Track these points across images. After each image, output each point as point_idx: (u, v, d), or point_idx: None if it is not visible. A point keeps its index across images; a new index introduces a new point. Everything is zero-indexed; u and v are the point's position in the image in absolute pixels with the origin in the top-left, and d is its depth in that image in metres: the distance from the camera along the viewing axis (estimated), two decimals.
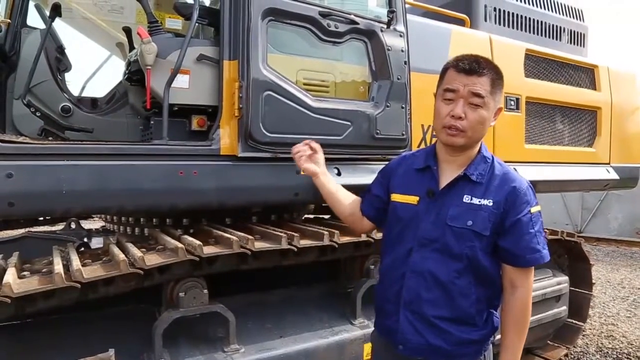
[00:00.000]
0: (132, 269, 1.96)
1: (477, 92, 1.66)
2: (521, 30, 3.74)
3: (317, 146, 2.16)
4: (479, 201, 1.69)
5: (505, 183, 1.71)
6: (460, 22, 3.31)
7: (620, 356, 4.35)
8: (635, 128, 4.38)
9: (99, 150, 2.05)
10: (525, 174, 3.35)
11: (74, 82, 3.31)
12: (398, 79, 2.57)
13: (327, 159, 2.47)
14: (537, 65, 3.57)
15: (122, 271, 1.94)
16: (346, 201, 2.11)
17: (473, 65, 1.68)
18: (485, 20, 3.45)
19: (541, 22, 3.87)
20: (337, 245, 2.44)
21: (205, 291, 2.24)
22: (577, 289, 4.06)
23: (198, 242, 2.11)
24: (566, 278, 3.83)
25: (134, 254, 2.04)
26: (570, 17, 4.11)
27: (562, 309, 3.78)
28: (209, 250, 2.14)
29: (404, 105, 2.61)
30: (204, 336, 2.36)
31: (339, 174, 2.49)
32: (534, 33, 3.84)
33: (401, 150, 2.66)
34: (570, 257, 4.07)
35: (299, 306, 2.76)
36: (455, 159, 1.78)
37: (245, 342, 2.36)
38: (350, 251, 2.67)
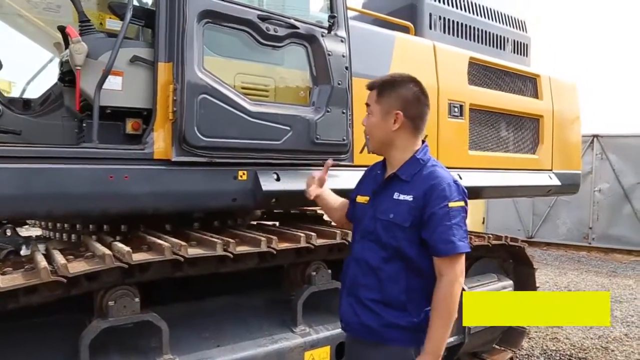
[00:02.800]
0: (54, 277, 1.88)
1: (367, 103, 2.03)
2: (466, 39, 3.81)
3: (328, 164, 2.33)
4: (403, 197, 1.92)
5: (426, 180, 1.90)
6: (405, 30, 3.35)
7: (562, 358, 4.46)
8: (576, 136, 4.53)
9: (22, 153, 1.96)
10: (470, 180, 3.43)
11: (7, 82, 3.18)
12: (339, 84, 2.57)
13: (265, 164, 2.46)
14: (481, 73, 3.65)
15: (42, 279, 1.85)
16: (337, 208, 2.35)
17: (370, 83, 2.05)
18: (431, 28, 3.49)
19: (486, 31, 3.96)
20: (275, 252, 2.40)
21: (137, 300, 2.16)
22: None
23: (127, 249, 2.04)
24: (511, 282, 3.90)
25: (58, 261, 1.95)
26: (513, 27, 4.22)
27: None
28: (139, 257, 2.07)
29: (345, 111, 2.61)
30: (136, 347, 2.28)
31: (278, 179, 2.46)
32: (479, 42, 3.91)
33: (342, 156, 2.66)
34: (515, 261, 4.16)
35: (240, 314, 2.71)
36: (392, 162, 2.03)
37: (180, 352, 2.29)
38: (291, 258, 2.64)
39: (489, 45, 4.00)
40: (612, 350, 4.66)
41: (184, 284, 2.67)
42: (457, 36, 3.73)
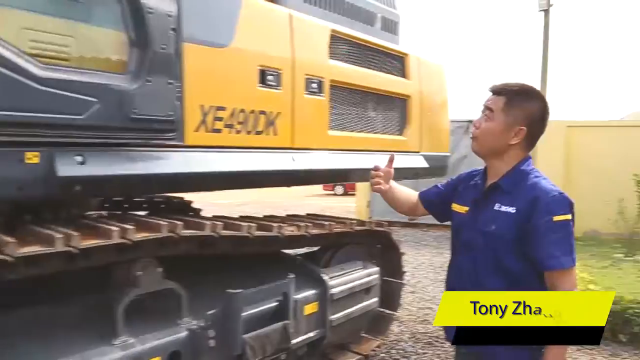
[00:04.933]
0: None
1: (488, 106, 1.96)
2: (332, 12, 3.52)
3: (392, 157, 2.36)
4: (505, 208, 1.90)
5: (531, 192, 1.87)
6: None
7: (430, 340, 4.46)
8: (444, 118, 4.49)
9: None
10: (330, 162, 3.18)
11: None
12: (162, 48, 2.15)
13: (65, 144, 1.99)
14: (345, 48, 3.39)
15: None
16: (404, 199, 2.39)
17: (497, 86, 1.98)
18: None
19: (353, 5, 3.70)
20: (77, 251, 1.96)
21: None
22: (389, 279, 4.04)
23: None
24: (377, 269, 3.75)
25: None
26: (382, 3, 4.02)
27: (372, 301, 3.69)
28: None
29: (171, 81, 2.20)
30: None
31: (82, 162, 2.00)
32: (346, 16, 3.65)
33: (169, 135, 2.25)
34: (383, 246, 4.03)
35: (47, 328, 2.21)
36: (494, 171, 2.01)
37: None
38: (110, 257, 2.21)
39: (357, 20, 3.76)
40: None
41: None
42: (323, 8, 3.42)
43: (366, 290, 3.61)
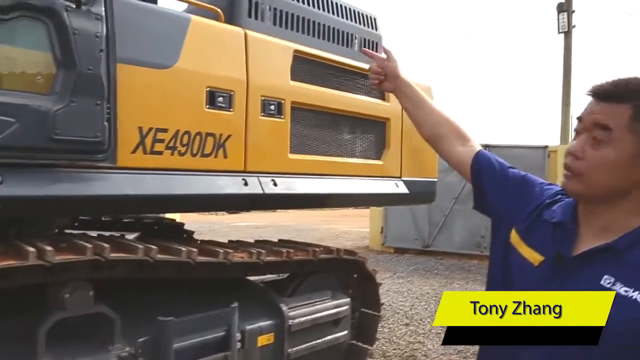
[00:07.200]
0: None
1: (600, 122, 1.22)
2: (304, 33, 3.48)
3: (388, 53, 1.90)
4: (627, 292, 1.18)
5: None
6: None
7: None
8: None
9: None
10: (289, 187, 3.08)
11: None
12: (89, 69, 2.13)
13: None
14: (310, 69, 3.32)
15: None
16: (430, 112, 1.78)
17: (610, 88, 1.24)
18: (250, 16, 3.12)
19: (328, 26, 3.65)
20: None
21: None
22: (366, 310, 3.88)
23: None
24: (347, 300, 3.60)
25: None
26: (361, 24, 3.96)
27: (342, 334, 3.53)
28: None
29: (99, 102, 2.17)
30: None
31: (0, 182, 1.99)
32: (320, 38, 3.60)
33: (98, 156, 2.21)
34: (359, 276, 3.89)
35: None
36: (599, 220, 1.30)
37: None
38: (33, 278, 2.18)
39: (333, 42, 3.70)
40: None
41: None
42: (293, 30, 3.38)
43: (334, 322, 3.46)
